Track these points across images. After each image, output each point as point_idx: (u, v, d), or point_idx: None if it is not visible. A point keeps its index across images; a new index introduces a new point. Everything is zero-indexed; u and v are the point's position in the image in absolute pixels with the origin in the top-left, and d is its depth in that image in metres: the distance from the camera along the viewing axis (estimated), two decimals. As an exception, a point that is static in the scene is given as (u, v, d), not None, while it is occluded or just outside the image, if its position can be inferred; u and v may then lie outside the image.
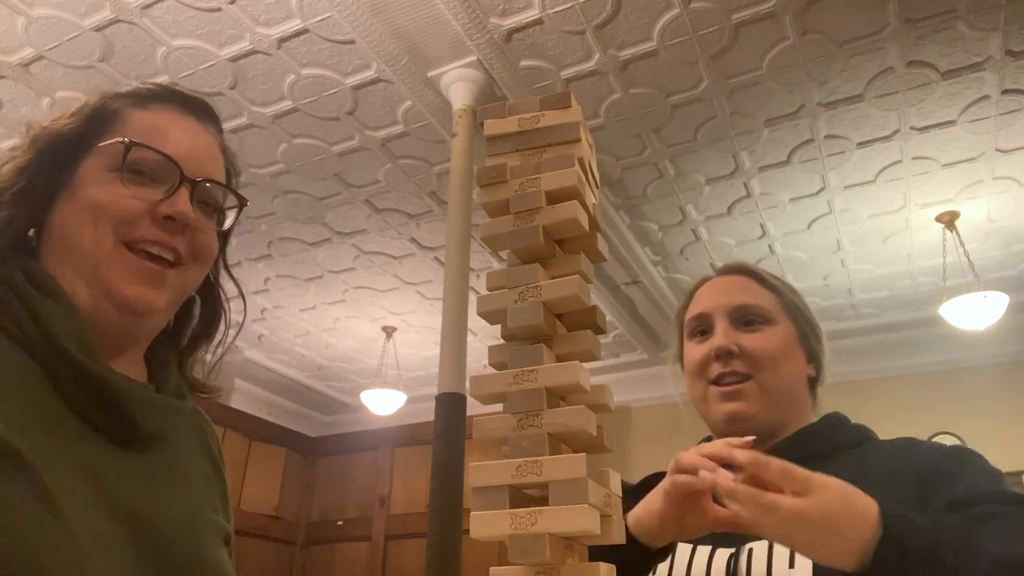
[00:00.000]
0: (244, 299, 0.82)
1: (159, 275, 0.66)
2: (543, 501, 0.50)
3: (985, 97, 3.01)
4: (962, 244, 3.87)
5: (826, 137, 3.25)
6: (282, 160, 3.43)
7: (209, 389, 0.78)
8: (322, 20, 2.69)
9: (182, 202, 0.67)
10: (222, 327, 0.79)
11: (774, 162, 3.42)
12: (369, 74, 2.92)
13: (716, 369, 0.91)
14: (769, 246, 4.12)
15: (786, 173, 3.50)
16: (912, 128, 3.19)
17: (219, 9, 2.63)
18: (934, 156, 3.37)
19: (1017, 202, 3.71)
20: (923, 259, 4.17)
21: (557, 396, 0.55)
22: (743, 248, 4.12)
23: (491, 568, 0.52)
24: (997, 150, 3.34)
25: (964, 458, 0.80)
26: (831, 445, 0.88)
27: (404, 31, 2.72)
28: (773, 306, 0.95)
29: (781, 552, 0.77)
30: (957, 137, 3.24)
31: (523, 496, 0.53)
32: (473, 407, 2.02)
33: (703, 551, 0.84)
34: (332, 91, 3.01)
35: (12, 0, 2.58)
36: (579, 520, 0.48)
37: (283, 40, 2.77)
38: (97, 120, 0.69)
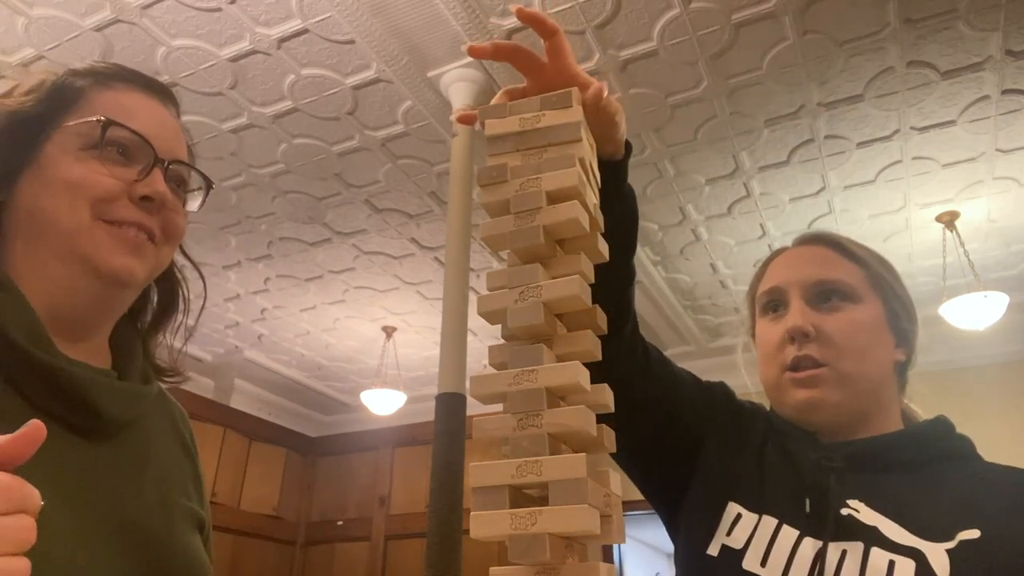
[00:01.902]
0: (204, 279, 0.82)
1: (142, 244, 0.66)
2: (543, 501, 0.50)
3: (985, 97, 3.01)
4: (962, 244, 3.88)
5: (826, 137, 3.25)
6: (282, 160, 3.43)
7: (174, 373, 0.77)
8: (322, 20, 2.69)
9: (158, 182, 0.67)
10: (181, 307, 0.78)
11: (774, 162, 3.42)
12: (369, 74, 2.92)
13: (791, 353, 0.81)
14: (769, 246, 4.12)
15: (786, 173, 3.50)
16: (912, 128, 3.19)
17: (219, 9, 2.63)
18: (934, 156, 3.38)
19: (1017, 202, 3.72)
20: (923, 259, 4.17)
21: (557, 396, 0.55)
22: (743, 248, 4.13)
23: (491, 568, 0.52)
24: (997, 150, 3.34)
25: None
26: (934, 453, 0.80)
27: (404, 31, 2.73)
28: (858, 281, 0.84)
29: (877, 564, 0.70)
30: (957, 137, 3.25)
31: (523, 496, 0.53)
32: (473, 407, 2.02)
33: (789, 532, 0.76)
34: (332, 91, 3.01)
35: (12, 0, 2.59)
36: (579, 520, 0.48)
37: (283, 40, 2.77)
38: (59, 98, 0.68)
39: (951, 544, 0.70)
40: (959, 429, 0.83)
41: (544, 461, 0.50)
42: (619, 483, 0.56)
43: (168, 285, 0.78)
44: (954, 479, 0.76)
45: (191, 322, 0.79)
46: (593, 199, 0.62)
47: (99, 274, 0.64)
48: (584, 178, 0.60)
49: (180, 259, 0.79)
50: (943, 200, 3.70)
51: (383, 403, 5.11)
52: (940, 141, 3.27)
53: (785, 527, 0.76)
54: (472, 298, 1.86)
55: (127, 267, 0.65)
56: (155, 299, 0.77)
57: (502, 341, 0.59)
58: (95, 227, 0.64)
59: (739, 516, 0.80)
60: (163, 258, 0.70)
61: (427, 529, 2.19)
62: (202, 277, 0.81)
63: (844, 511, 0.75)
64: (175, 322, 0.78)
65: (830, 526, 0.74)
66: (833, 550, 0.73)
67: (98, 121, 0.65)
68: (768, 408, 0.92)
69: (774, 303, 0.87)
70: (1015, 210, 3.78)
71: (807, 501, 0.78)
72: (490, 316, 0.58)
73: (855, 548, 0.72)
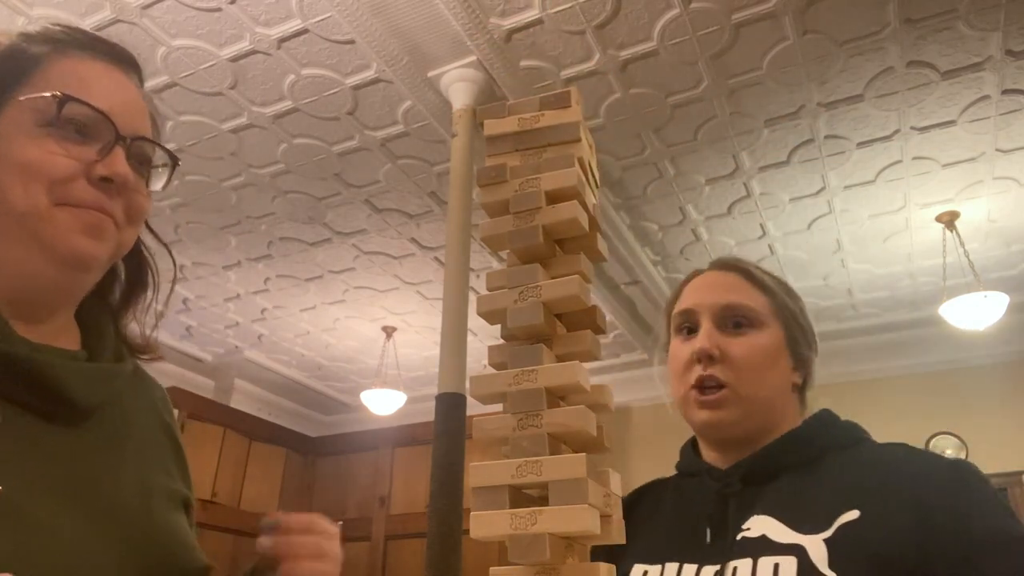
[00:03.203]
0: (172, 257, 0.77)
1: (103, 225, 0.62)
2: (543, 501, 0.50)
3: (985, 97, 3.01)
4: (962, 244, 3.87)
5: (826, 137, 3.25)
6: (282, 160, 3.43)
7: (149, 350, 0.73)
8: (322, 20, 2.69)
9: (119, 163, 0.62)
10: (151, 285, 0.74)
11: (774, 162, 3.42)
12: (369, 74, 2.92)
13: (697, 372, 0.87)
14: (769, 246, 4.12)
15: (786, 173, 3.50)
16: (912, 128, 3.19)
17: (219, 9, 2.63)
18: (934, 156, 3.37)
19: (1017, 202, 3.71)
20: (923, 259, 4.17)
21: (557, 396, 0.55)
22: (743, 248, 4.13)
23: (491, 568, 0.52)
24: (997, 150, 3.34)
25: (972, 498, 0.73)
26: (819, 447, 0.85)
27: (404, 31, 2.72)
28: (763, 308, 0.90)
29: (764, 571, 0.75)
30: (957, 137, 3.24)
31: (523, 496, 0.53)
32: (473, 407, 2.02)
33: (689, 569, 0.81)
34: (332, 91, 3.01)
35: (12, 0, 2.59)
36: (579, 520, 0.48)
37: (283, 40, 2.77)
38: (13, 67, 0.63)
39: (829, 532, 0.75)
40: (958, 429, 0.85)
41: (544, 461, 0.50)
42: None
43: (135, 262, 0.74)
44: (839, 466, 0.82)
45: (160, 305, 0.75)
46: (592, 199, 0.62)
47: (58, 258, 0.60)
48: (583, 178, 0.60)
49: (168, 256, 0.76)
50: (943, 200, 3.69)
51: (383, 403, 5.11)
52: (940, 141, 3.27)
53: (685, 566, 0.82)
54: (472, 298, 1.86)
55: (88, 250, 0.61)
56: (123, 276, 0.74)
57: (502, 341, 0.59)
58: (53, 211, 0.60)
59: (645, 574, 0.85)
60: (126, 240, 0.66)
61: (427, 529, 2.19)
62: (171, 254, 0.77)
63: (739, 535, 0.80)
64: (145, 300, 0.74)
65: (727, 549, 0.80)
66: (727, 570, 0.78)
67: (54, 97, 0.61)
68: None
69: (687, 324, 0.93)
70: (1015, 210, 3.78)
71: (707, 531, 0.83)
72: (490, 316, 0.58)
73: (745, 564, 0.77)
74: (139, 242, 0.72)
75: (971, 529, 0.70)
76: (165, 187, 0.70)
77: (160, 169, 0.69)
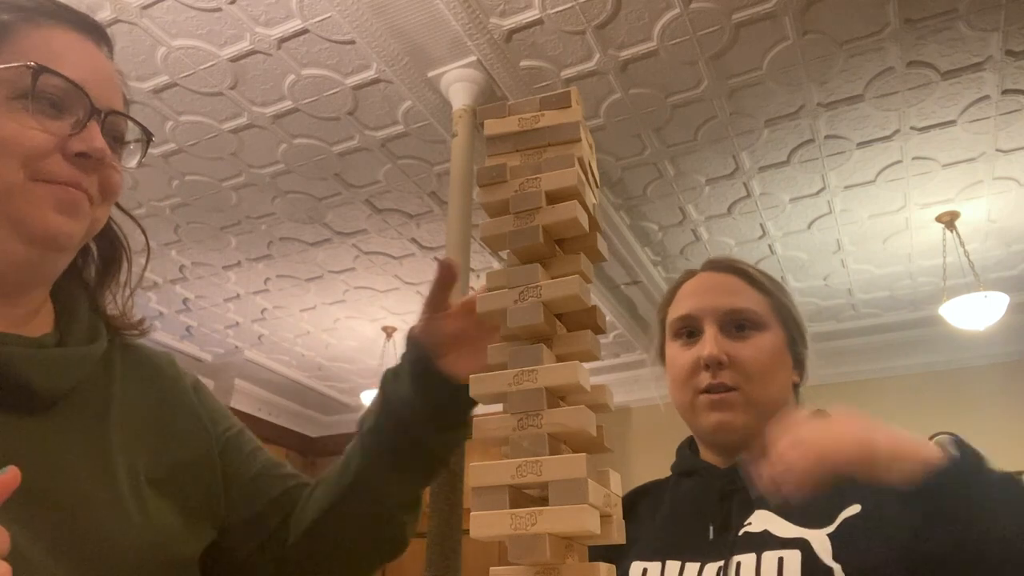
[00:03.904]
0: (147, 239, 0.74)
1: (79, 201, 0.60)
2: (543, 501, 0.50)
3: (985, 97, 3.01)
4: (962, 244, 3.88)
5: (826, 137, 3.25)
6: (282, 160, 3.43)
7: (131, 326, 0.71)
8: (322, 20, 2.69)
9: (96, 137, 0.60)
10: (124, 263, 0.72)
11: (774, 162, 3.42)
12: (369, 74, 2.92)
13: (705, 379, 0.86)
14: (769, 246, 4.12)
15: (786, 173, 3.50)
16: (912, 128, 3.19)
17: (219, 9, 2.63)
18: (934, 156, 3.37)
19: (1017, 202, 3.72)
20: (923, 259, 4.17)
21: (557, 396, 0.55)
22: (743, 248, 4.13)
23: (491, 568, 0.52)
24: (997, 150, 3.34)
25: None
26: None
27: (404, 31, 2.72)
28: (764, 309, 0.90)
29: (769, 565, 0.75)
30: (957, 137, 3.24)
31: (523, 496, 0.53)
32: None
33: (692, 567, 0.81)
34: (332, 91, 3.01)
35: (12, 0, 2.59)
36: (579, 520, 0.48)
37: (283, 40, 2.77)
38: None
39: (832, 527, 0.75)
40: (957, 429, 0.85)
41: (544, 461, 0.50)
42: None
43: (107, 240, 0.71)
44: None
45: (135, 281, 0.73)
46: (592, 199, 0.62)
47: (31, 236, 0.58)
48: (583, 178, 0.60)
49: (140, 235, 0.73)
50: (943, 200, 3.70)
51: (383, 403, 5.10)
52: (940, 141, 3.27)
53: (688, 564, 0.81)
54: (472, 298, 1.87)
55: (62, 228, 0.59)
56: (95, 254, 0.72)
57: (502, 341, 0.59)
58: (29, 187, 0.58)
59: (644, 571, 0.84)
60: (99, 217, 0.64)
61: (427, 529, 2.19)
62: (142, 230, 0.74)
63: (742, 530, 0.80)
64: (120, 278, 0.72)
65: (730, 544, 0.79)
66: (731, 565, 0.78)
67: (28, 68, 0.57)
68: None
69: (687, 329, 0.91)
70: (1015, 210, 3.78)
71: (711, 528, 0.83)
72: (490, 316, 0.58)
73: (749, 558, 0.77)
74: (110, 219, 0.70)
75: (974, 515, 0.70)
76: (139, 164, 0.68)
77: (132, 145, 0.67)
